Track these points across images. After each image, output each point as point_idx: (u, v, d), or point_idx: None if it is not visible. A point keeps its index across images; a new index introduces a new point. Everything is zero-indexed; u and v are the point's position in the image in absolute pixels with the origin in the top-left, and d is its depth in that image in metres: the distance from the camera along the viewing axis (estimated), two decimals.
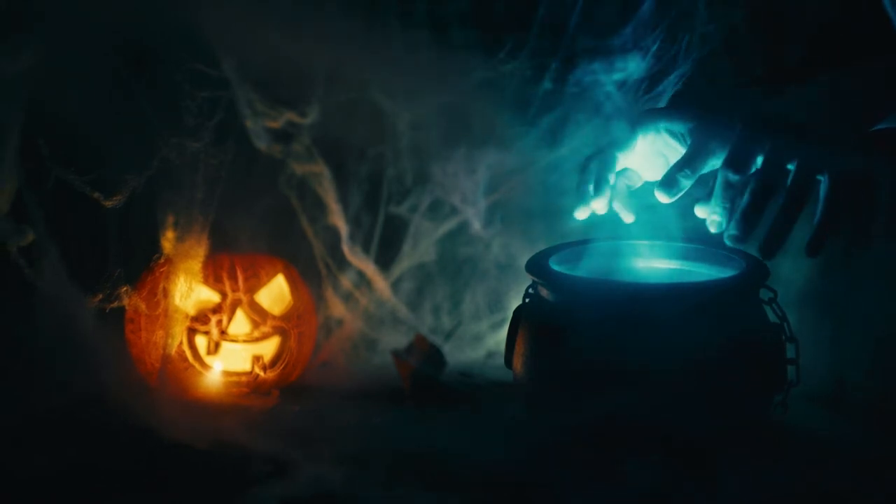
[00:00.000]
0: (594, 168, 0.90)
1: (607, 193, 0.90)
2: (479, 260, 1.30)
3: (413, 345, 1.19)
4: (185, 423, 0.96)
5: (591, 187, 0.90)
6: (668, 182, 0.86)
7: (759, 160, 0.82)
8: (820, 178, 0.81)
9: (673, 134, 0.90)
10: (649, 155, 0.92)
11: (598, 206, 0.90)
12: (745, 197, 0.82)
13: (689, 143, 0.87)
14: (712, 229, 0.85)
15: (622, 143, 0.90)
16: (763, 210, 0.81)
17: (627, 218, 0.92)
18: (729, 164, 0.83)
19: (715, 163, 0.86)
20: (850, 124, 0.85)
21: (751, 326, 0.83)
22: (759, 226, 0.82)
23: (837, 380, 1.03)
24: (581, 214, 0.91)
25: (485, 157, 1.20)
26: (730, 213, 0.83)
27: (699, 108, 0.88)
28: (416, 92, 1.19)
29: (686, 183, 0.86)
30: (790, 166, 0.81)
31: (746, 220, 0.82)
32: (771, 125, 0.83)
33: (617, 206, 0.91)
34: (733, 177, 0.82)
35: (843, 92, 0.85)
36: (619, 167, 0.91)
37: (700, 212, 0.87)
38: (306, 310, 1.16)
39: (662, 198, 0.87)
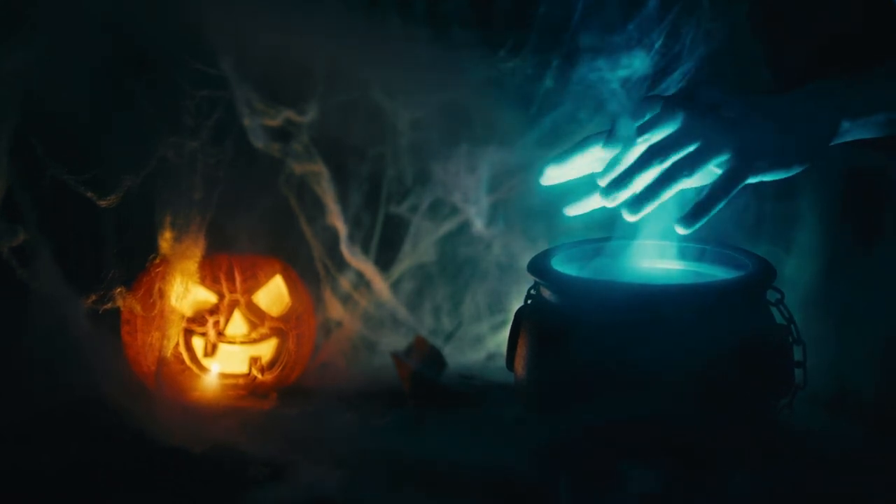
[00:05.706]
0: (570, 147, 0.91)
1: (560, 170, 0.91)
2: (480, 260, 1.29)
3: (413, 346, 1.19)
4: (182, 426, 0.96)
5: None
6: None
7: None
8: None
9: None
10: None
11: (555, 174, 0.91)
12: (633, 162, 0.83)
13: None
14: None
15: (601, 138, 0.90)
16: (636, 175, 0.82)
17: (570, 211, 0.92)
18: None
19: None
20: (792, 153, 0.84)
21: (758, 328, 0.83)
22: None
23: (841, 381, 1.03)
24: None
25: (486, 156, 1.20)
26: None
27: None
28: (417, 91, 1.18)
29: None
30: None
31: (621, 182, 0.83)
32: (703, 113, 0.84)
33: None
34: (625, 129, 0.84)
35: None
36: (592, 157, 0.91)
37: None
38: (305, 311, 1.15)
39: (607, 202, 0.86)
